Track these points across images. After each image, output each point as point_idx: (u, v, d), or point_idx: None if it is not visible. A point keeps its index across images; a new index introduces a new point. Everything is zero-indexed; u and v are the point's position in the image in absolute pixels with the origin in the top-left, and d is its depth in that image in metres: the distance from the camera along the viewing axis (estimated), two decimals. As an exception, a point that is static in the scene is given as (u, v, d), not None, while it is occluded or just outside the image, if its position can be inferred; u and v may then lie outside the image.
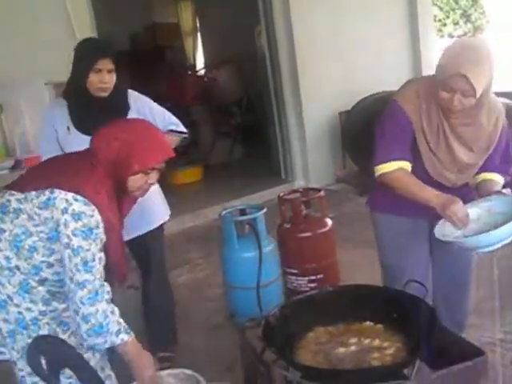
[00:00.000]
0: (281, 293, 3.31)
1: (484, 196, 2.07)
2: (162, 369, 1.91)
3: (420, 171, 2.12)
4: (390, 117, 2.12)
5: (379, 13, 6.86)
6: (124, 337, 1.73)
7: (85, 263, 1.69)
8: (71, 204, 1.69)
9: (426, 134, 2.08)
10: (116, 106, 2.58)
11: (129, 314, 3.55)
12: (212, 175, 7.49)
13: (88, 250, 1.69)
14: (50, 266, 1.78)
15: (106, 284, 1.75)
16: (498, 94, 6.01)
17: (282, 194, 3.58)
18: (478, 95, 1.91)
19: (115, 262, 1.87)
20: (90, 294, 1.69)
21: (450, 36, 14.66)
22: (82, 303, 1.68)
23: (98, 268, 1.72)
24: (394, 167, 2.06)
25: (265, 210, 3.23)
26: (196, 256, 4.73)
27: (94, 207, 1.71)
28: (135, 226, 2.58)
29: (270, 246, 3.22)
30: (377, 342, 1.71)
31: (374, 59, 6.73)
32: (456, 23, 14.56)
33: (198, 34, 10.29)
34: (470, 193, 2.22)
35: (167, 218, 2.89)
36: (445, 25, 14.61)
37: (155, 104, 2.74)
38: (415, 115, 2.06)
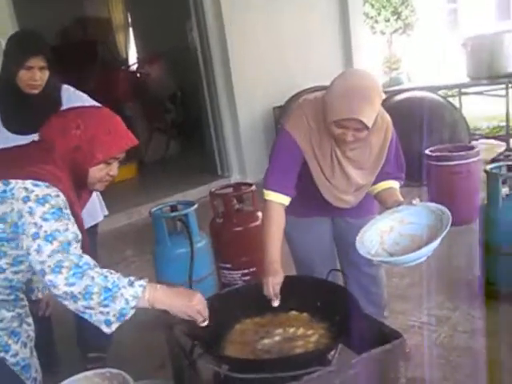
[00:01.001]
0: (215, 288, 3.32)
1: (391, 206, 2.05)
2: (93, 369, 1.87)
3: (317, 196, 2.16)
4: (281, 145, 2.11)
5: (311, 9, 6.99)
6: (140, 282, 1.53)
7: (68, 244, 1.49)
8: (32, 191, 1.52)
9: (320, 163, 2.09)
10: (46, 102, 2.49)
11: (62, 313, 3.47)
12: (147, 172, 7.40)
13: (67, 230, 1.51)
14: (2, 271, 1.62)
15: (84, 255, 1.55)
16: (423, 89, 6.21)
17: (213, 190, 3.58)
18: (370, 128, 1.93)
19: None
20: (72, 270, 1.46)
21: (382, 33, 15.08)
22: (71, 284, 1.45)
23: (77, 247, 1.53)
24: (272, 198, 2.06)
25: (196, 205, 3.22)
26: (130, 254, 4.66)
27: (56, 189, 1.55)
28: None
29: (202, 242, 3.22)
30: (301, 331, 1.75)
31: (307, 55, 6.85)
32: (387, 20, 14.98)
33: (130, 29, 10.11)
34: (366, 204, 2.27)
35: (102, 217, 2.81)
36: (376, 22, 15.00)
37: (91, 102, 2.66)
38: (306, 144, 2.06)
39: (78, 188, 1.71)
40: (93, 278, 1.48)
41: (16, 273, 1.66)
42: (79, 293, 1.46)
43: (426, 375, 2.49)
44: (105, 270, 1.52)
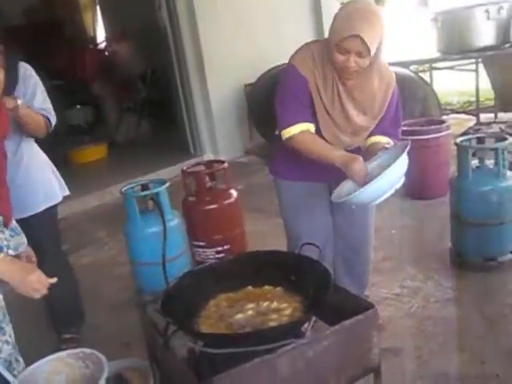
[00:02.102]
0: (189, 266, 3.30)
1: (373, 156, 2.14)
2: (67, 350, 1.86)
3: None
4: (288, 80, 2.15)
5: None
6: None
7: None
8: None
9: (321, 95, 2.12)
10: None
11: (29, 298, 3.41)
12: (118, 152, 7.29)
13: None
14: None
15: None
16: (394, 64, 6.22)
17: (185, 168, 3.54)
18: (372, 54, 1.97)
19: None
20: None
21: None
22: None
23: None
24: (298, 130, 2.10)
25: (167, 184, 3.18)
26: (103, 235, 4.61)
27: None
28: (25, 205, 2.47)
29: (174, 221, 3.18)
30: (275, 305, 1.75)
31: (277, 31, 6.77)
32: (357, -5, 14.89)
33: (97, 7, 9.86)
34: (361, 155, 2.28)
35: (61, 198, 2.75)
36: (346, -3, 14.91)
37: (41, 85, 2.64)
38: (311, 76, 2.11)
39: None
40: None
41: None
42: None
43: (400, 345, 2.52)
44: None
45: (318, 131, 2.18)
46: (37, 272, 1.71)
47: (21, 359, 1.87)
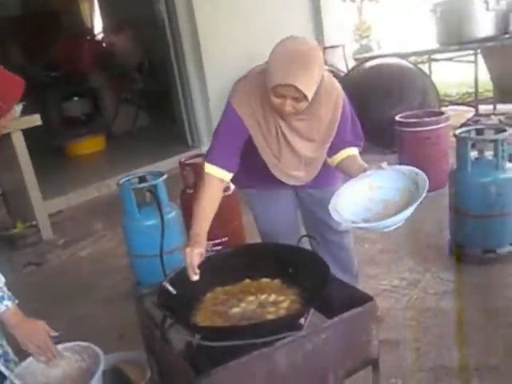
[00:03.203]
0: (187, 258, 3.29)
1: (357, 174, 1.96)
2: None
3: (270, 175, 2.13)
4: (226, 121, 2.05)
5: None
6: (8, 303, 1.69)
7: None
8: None
9: (265, 138, 2.05)
10: None
11: (28, 290, 3.42)
12: (116, 144, 7.27)
13: None
14: None
15: None
16: (393, 55, 6.17)
17: (183, 160, 3.52)
18: (309, 99, 1.85)
19: None
20: None
21: (352, 0, 14.91)
22: None
23: None
24: (211, 171, 2.00)
25: (165, 176, 3.16)
26: (100, 228, 4.60)
27: None
28: None
29: (172, 213, 3.17)
30: (273, 297, 1.74)
31: (276, 24, 6.70)
32: (356, -12, 14.80)
33: (95, -2, 9.79)
34: (329, 175, 2.23)
35: None
36: (345, -10, 14.83)
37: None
38: (251, 120, 2.01)
39: None
40: None
41: None
42: None
43: (399, 337, 2.52)
44: None
45: (271, 175, 2.13)
46: (45, 334, 1.74)
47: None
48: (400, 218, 1.75)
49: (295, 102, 1.86)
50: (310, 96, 1.84)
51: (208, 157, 2.03)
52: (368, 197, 1.90)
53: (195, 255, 1.80)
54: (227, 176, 2.02)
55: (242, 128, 2.01)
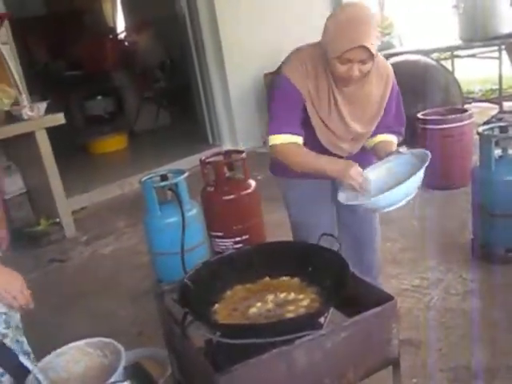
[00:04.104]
0: (207, 256, 3.30)
1: (383, 157, 2.08)
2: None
3: (315, 144, 2.12)
4: (280, 90, 2.08)
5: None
6: None
7: None
8: None
9: (315, 105, 2.06)
10: None
11: (52, 286, 3.46)
12: (138, 142, 7.33)
13: None
14: None
15: None
16: (415, 52, 6.11)
17: (203, 158, 3.53)
18: (375, 58, 1.91)
19: None
20: None
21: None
22: None
23: None
24: (283, 140, 2.03)
25: (186, 174, 3.18)
26: (123, 225, 4.64)
27: None
28: None
29: (193, 211, 3.19)
30: (292, 296, 1.73)
31: (298, 20, 6.70)
32: (377, -16, 14.67)
33: (117, -3, 9.88)
34: (366, 157, 2.23)
35: None
36: (366, -16, 14.71)
37: None
38: (304, 87, 2.03)
39: None
40: None
41: None
42: None
43: (420, 337, 2.50)
44: None
45: (316, 140, 2.13)
46: (20, 281, 1.66)
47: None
48: (395, 195, 1.82)
49: (361, 65, 1.91)
50: (375, 54, 1.88)
51: (273, 129, 2.06)
52: (384, 180, 2.00)
53: (360, 172, 1.93)
54: (299, 139, 2.05)
55: (297, 94, 2.03)
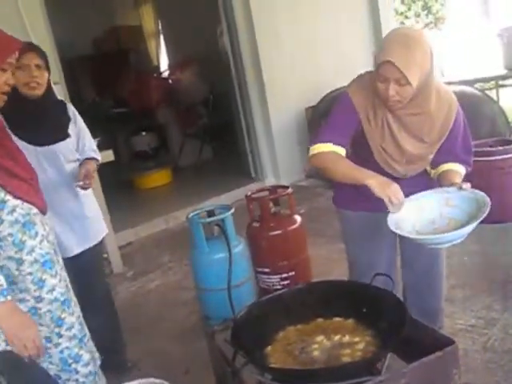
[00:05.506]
0: (254, 292, 3.28)
1: (446, 184, 2.06)
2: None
3: (372, 163, 2.12)
4: (339, 106, 2.15)
5: (340, 8, 6.89)
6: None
7: None
8: None
9: (372, 126, 2.09)
10: (54, 111, 2.52)
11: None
12: (182, 177, 7.43)
13: None
14: None
15: None
16: (458, 83, 6.04)
17: (249, 193, 3.54)
18: (413, 84, 1.89)
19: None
20: None
21: (414, 29, 14.78)
22: None
23: None
24: (327, 149, 2.07)
25: (233, 210, 3.19)
26: (168, 260, 4.67)
27: None
28: (89, 235, 2.63)
29: (239, 247, 3.18)
30: (347, 338, 1.69)
31: (338, 54, 6.76)
32: (418, 15, 14.68)
33: (161, 36, 10.18)
34: (422, 183, 2.18)
35: (105, 233, 2.87)
36: (406, 17, 14.73)
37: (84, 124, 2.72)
38: (362, 107, 2.08)
39: None
40: None
41: None
42: None
43: (478, 381, 2.39)
44: None
45: (372, 161, 2.13)
46: (34, 330, 1.65)
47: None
48: (450, 237, 1.82)
49: (398, 86, 1.91)
50: (412, 79, 1.88)
51: (321, 138, 2.10)
52: (440, 211, 1.99)
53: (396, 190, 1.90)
54: (342, 151, 2.08)
55: (354, 113, 2.08)
